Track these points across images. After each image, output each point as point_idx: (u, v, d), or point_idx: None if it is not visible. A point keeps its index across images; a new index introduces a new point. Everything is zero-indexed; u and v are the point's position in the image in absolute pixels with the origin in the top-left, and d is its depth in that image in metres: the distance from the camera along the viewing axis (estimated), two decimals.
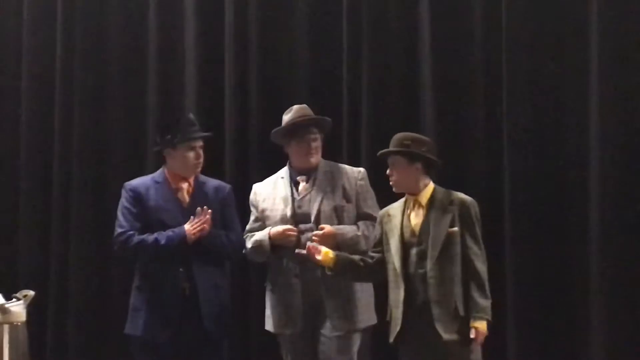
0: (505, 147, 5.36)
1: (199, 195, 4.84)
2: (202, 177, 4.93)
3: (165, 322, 4.69)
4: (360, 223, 4.76)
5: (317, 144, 4.83)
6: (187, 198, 4.83)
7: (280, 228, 4.72)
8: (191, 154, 4.80)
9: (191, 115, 4.95)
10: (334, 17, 5.75)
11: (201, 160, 4.85)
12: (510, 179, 5.34)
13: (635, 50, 5.18)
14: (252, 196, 4.97)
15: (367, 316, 4.76)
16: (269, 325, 4.85)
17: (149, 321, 4.72)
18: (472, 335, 4.28)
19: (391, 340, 4.40)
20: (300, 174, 4.85)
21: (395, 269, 4.41)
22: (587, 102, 5.23)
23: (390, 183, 4.48)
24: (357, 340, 4.74)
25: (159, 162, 5.70)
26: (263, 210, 4.87)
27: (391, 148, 4.49)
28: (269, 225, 4.80)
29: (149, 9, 6.17)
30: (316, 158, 4.84)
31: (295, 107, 4.89)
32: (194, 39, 6.02)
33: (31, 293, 5.19)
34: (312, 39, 5.83)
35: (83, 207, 6.20)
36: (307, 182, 4.82)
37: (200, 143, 4.85)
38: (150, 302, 4.74)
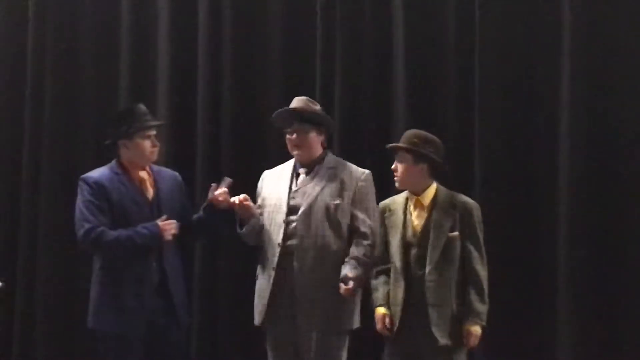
0: (476, 148, 5.40)
1: (160, 186, 4.77)
2: (155, 167, 4.85)
3: (140, 315, 4.62)
4: (352, 256, 4.53)
5: (293, 137, 4.70)
6: (150, 190, 4.75)
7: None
8: (147, 143, 4.71)
9: (143, 106, 4.83)
10: (309, 12, 5.76)
11: (157, 148, 4.77)
12: (480, 177, 5.39)
13: (607, 41, 5.24)
14: (259, 183, 4.88)
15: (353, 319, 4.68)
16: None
17: (121, 316, 4.63)
18: (465, 339, 4.35)
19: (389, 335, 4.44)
20: (303, 166, 4.76)
21: (396, 268, 4.44)
22: (558, 101, 5.28)
23: (395, 178, 4.52)
24: (340, 343, 4.63)
25: None
26: (263, 199, 4.80)
27: (400, 144, 4.50)
28: (265, 213, 4.73)
29: None
30: (300, 152, 4.70)
31: (295, 98, 4.80)
32: (166, 29, 6.01)
33: None
34: (286, 34, 5.84)
35: (52, 199, 6.17)
36: (307, 175, 4.73)
37: (154, 132, 4.77)
38: (120, 296, 4.63)
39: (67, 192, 6.09)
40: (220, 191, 4.69)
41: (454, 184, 5.20)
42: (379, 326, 4.55)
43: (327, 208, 4.61)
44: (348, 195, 4.64)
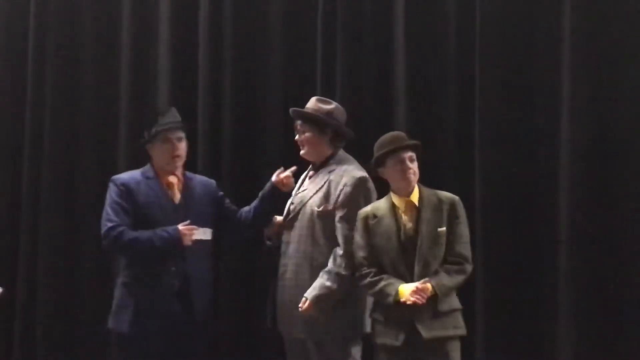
0: (476, 148, 5.39)
1: (189, 192, 4.79)
2: (189, 174, 4.89)
3: (154, 318, 4.61)
4: (325, 269, 4.47)
5: (299, 137, 4.69)
6: (177, 195, 4.77)
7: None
8: (166, 146, 4.73)
9: (173, 108, 4.88)
10: (309, 12, 5.77)
11: (178, 152, 4.75)
12: (481, 177, 5.36)
13: (607, 49, 5.21)
14: None
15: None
16: None
17: (137, 318, 4.63)
18: (419, 284, 4.23)
19: (399, 343, 4.31)
20: (313, 167, 4.75)
21: (400, 273, 4.32)
22: (559, 102, 5.26)
23: (413, 178, 4.40)
24: (338, 351, 4.55)
25: (131, 160, 5.74)
26: None
27: (414, 142, 4.43)
28: None
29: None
30: (304, 151, 4.69)
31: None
32: (167, 29, 6.04)
33: None
34: (287, 34, 5.85)
35: (52, 204, 6.18)
36: (310, 178, 4.72)
37: (176, 135, 4.77)
38: (138, 298, 4.65)
39: (67, 195, 6.14)
40: (286, 174, 4.72)
41: (454, 184, 5.23)
42: (414, 297, 4.22)
43: (312, 214, 4.56)
44: (333, 200, 4.54)
